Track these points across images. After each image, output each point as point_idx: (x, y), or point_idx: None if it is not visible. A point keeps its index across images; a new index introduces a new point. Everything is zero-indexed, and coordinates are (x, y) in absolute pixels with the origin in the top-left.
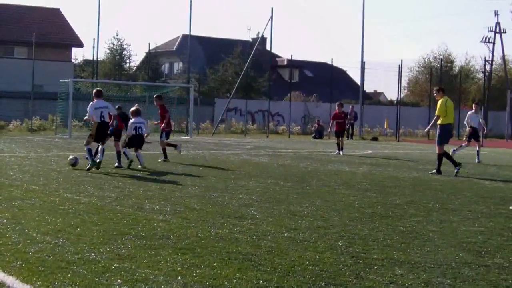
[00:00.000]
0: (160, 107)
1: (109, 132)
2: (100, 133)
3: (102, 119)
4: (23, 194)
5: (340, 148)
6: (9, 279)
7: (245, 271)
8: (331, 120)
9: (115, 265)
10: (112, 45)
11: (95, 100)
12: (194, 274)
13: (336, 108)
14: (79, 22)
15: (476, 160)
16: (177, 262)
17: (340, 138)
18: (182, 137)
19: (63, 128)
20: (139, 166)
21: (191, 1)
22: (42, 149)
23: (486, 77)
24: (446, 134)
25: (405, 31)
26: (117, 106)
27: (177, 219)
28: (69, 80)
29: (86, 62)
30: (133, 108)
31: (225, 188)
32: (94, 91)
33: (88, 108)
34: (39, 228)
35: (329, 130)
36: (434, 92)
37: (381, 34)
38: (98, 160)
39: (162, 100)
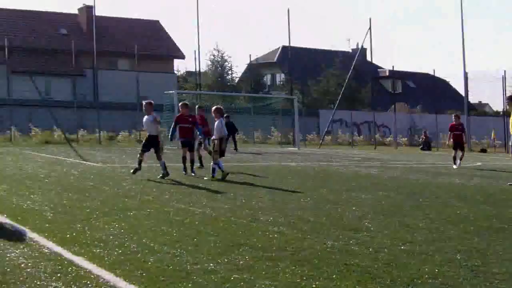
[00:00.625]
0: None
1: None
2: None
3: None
4: (138, 204)
5: (456, 160)
6: None
7: (365, 284)
8: (449, 133)
9: (234, 275)
10: (212, 57)
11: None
12: (313, 286)
13: (453, 119)
14: (179, 34)
15: None
16: (295, 273)
17: (458, 151)
18: (289, 148)
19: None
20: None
21: (289, 12)
22: (151, 160)
23: None
24: None
25: (508, 40)
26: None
27: (292, 230)
28: (173, 91)
29: (189, 74)
30: (219, 106)
31: (337, 200)
32: (148, 103)
33: (157, 123)
34: (156, 238)
35: (447, 142)
36: (507, 101)
37: (483, 44)
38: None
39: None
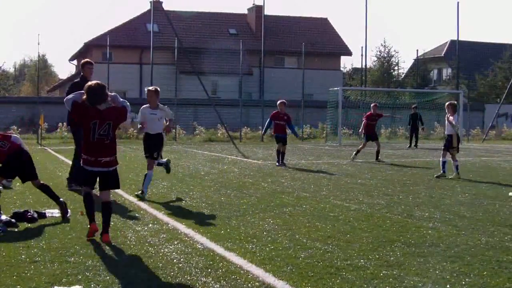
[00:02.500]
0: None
1: None
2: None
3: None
4: (294, 200)
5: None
6: (279, 283)
7: None
8: None
9: (383, 272)
10: (379, 53)
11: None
12: (463, 282)
13: None
14: (347, 31)
15: None
16: (446, 270)
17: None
18: None
19: (333, 136)
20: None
21: (458, 6)
22: (312, 157)
23: None
24: None
25: None
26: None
27: (446, 226)
28: (338, 88)
29: (355, 70)
30: (453, 102)
31: (496, 195)
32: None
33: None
34: (309, 234)
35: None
36: None
37: None
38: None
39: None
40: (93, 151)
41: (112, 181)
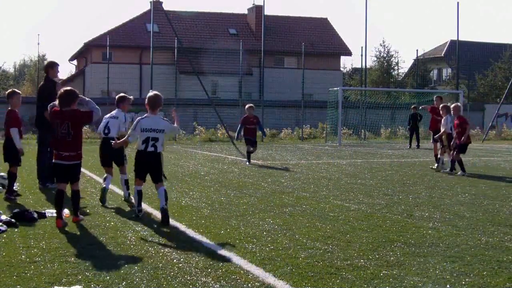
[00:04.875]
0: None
1: None
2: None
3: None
4: (294, 201)
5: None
6: (279, 283)
7: None
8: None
9: (383, 272)
10: (379, 53)
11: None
12: (463, 282)
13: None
14: (347, 31)
15: None
16: (446, 270)
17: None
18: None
19: (333, 136)
20: None
21: (458, 6)
22: (312, 157)
23: None
24: None
25: None
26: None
27: (446, 226)
28: (338, 88)
29: (354, 70)
30: (446, 104)
31: (496, 195)
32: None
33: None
34: (309, 234)
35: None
36: None
37: None
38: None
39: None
40: (58, 147)
41: (72, 173)
